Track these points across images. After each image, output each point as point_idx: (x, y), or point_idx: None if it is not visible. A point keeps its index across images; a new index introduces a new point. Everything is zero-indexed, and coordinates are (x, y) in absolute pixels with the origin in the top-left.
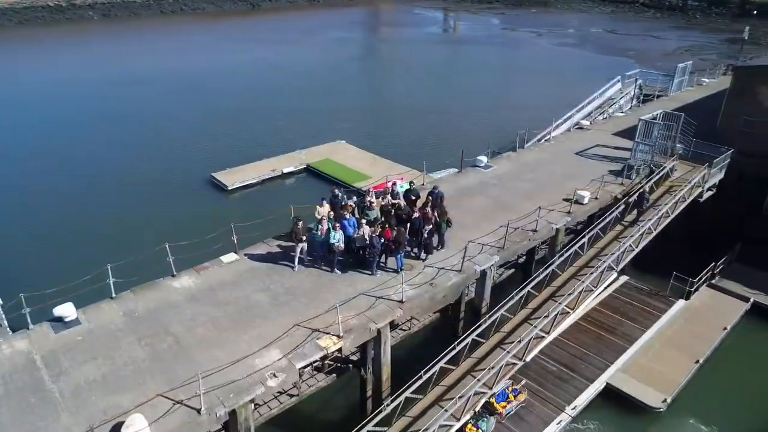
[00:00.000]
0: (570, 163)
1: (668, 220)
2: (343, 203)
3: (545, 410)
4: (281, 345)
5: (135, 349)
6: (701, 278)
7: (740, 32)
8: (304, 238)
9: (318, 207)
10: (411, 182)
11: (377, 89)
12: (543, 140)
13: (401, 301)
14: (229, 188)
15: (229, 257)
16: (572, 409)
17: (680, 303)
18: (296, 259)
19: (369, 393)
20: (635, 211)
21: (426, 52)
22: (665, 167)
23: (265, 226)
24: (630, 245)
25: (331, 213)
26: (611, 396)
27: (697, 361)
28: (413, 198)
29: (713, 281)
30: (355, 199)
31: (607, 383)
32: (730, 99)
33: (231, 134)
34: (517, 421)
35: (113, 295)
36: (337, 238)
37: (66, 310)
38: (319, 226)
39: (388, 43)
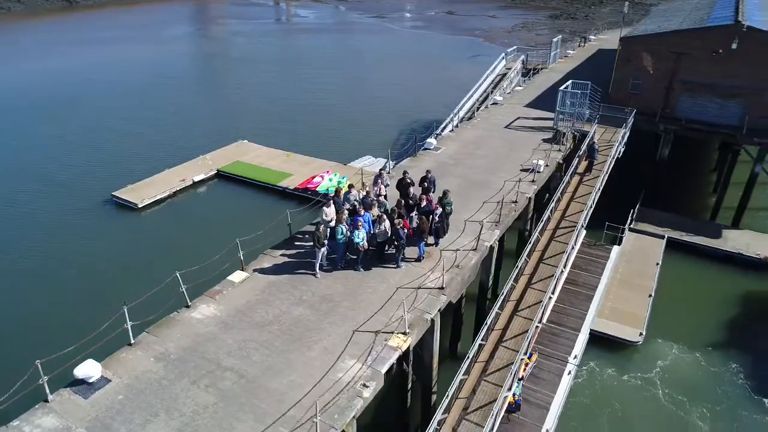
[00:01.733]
0: (505, 137)
1: (606, 176)
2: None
3: (554, 365)
4: (352, 354)
5: (198, 394)
6: (625, 225)
7: (557, 9)
8: (327, 242)
9: (324, 209)
10: (381, 169)
11: (256, 86)
12: (462, 120)
13: (442, 288)
14: (140, 206)
15: (238, 276)
16: (574, 358)
17: (616, 249)
18: (317, 265)
19: (415, 382)
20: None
21: (284, 44)
22: (592, 131)
23: (264, 237)
24: (591, 203)
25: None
26: (596, 340)
27: (650, 295)
28: (407, 184)
29: (632, 226)
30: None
31: (591, 330)
32: (619, 66)
33: (116, 148)
34: (536, 380)
35: (131, 341)
36: (361, 237)
37: (88, 369)
38: (342, 228)
39: (245, 36)
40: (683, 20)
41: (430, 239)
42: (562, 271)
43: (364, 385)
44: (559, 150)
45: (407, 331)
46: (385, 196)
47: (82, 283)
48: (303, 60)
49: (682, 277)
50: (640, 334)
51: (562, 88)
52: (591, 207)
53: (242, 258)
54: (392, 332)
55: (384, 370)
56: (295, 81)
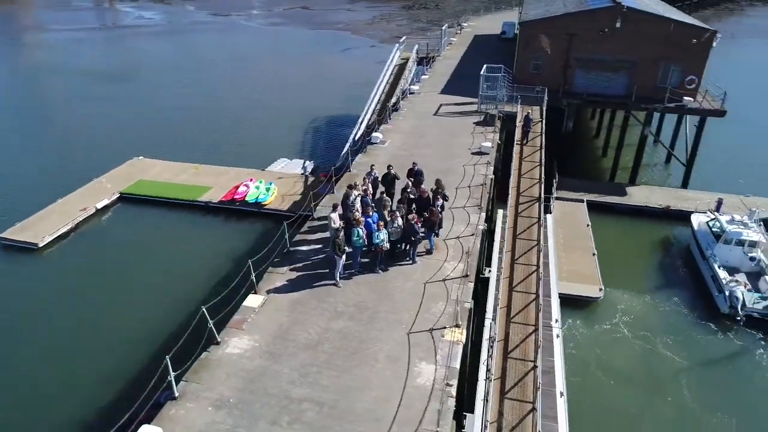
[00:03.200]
0: (439, 124)
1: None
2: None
3: (545, 332)
4: (419, 356)
5: None
6: (552, 195)
7: (408, 0)
8: (347, 249)
9: (331, 215)
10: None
11: (129, 98)
12: (390, 112)
13: (467, 275)
14: (41, 245)
15: (254, 300)
16: (556, 322)
17: (549, 217)
18: (338, 274)
19: None
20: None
21: (140, 49)
22: (516, 110)
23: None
24: (540, 176)
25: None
26: (565, 301)
27: (593, 254)
28: (392, 178)
29: (557, 195)
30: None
31: (559, 293)
32: (521, 49)
33: None
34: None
35: (176, 395)
36: (381, 238)
37: None
38: (359, 230)
39: (81, 44)
40: (564, 4)
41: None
42: (537, 243)
43: (448, 384)
44: (494, 131)
45: (459, 323)
46: (374, 194)
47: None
48: (175, 66)
49: (608, 233)
50: (600, 289)
51: (482, 72)
52: (543, 180)
53: (254, 280)
54: (444, 327)
55: (458, 365)
56: (174, 88)
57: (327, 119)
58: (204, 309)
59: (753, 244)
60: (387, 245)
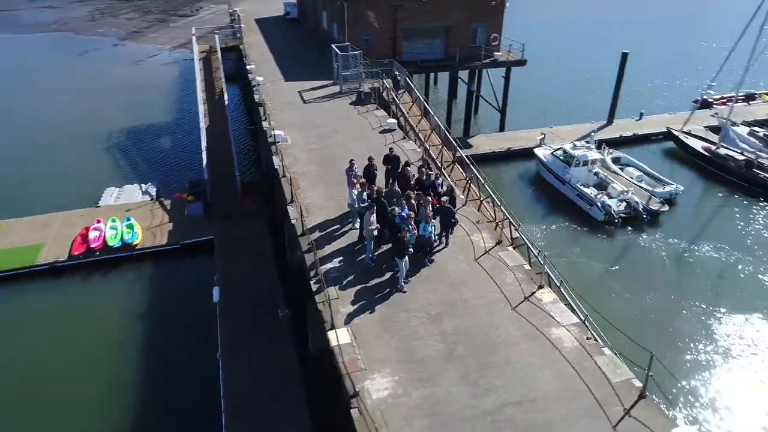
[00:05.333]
0: (322, 111)
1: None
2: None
3: None
4: (542, 324)
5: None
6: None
7: None
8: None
9: (368, 218)
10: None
11: None
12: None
13: (500, 242)
14: None
15: (339, 337)
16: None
17: None
18: (402, 278)
19: None
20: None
21: None
22: (378, 85)
23: None
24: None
25: None
26: None
27: None
28: (374, 172)
29: None
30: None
31: None
32: (350, 26)
33: None
34: None
35: None
36: (430, 230)
37: None
38: (410, 227)
39: None
40: None
41: None
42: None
43: (588, 337)
44: (377, 108)
45: (542, 284)
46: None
47: None
48: None
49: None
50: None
51: (341, 54)
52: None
53: (332, 317)
54: (533, 292)
55: (576, 318)
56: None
57: (132, 134)
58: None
59: (595, 162)
60: (435, 236)
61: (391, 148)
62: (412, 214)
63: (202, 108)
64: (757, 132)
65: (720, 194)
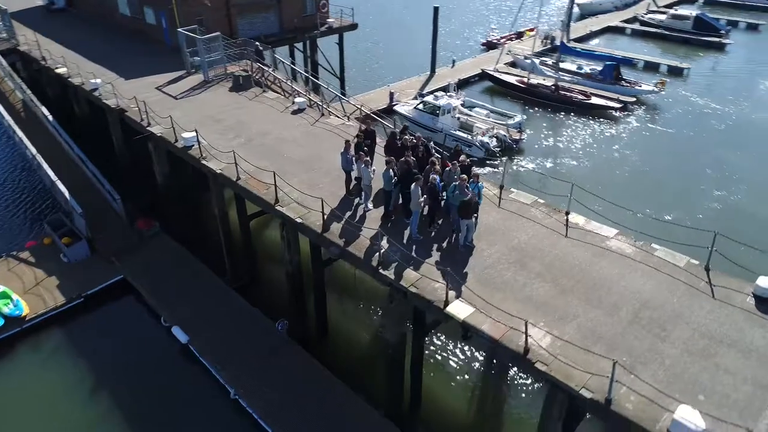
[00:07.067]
0: (209, 105)
1: None
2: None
3: None
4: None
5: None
6: None
7: None
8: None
9: (415, 190)
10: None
11: None
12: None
13: (512, 191)
14: None
15: (461, 310)
16: None
17: None
18: (469, 236)
19: None
20: None
21: None
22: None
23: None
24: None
25: None
26: None
27: None
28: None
29: None
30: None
31: None
32: (179, 6)
33: None
34: None
35: None
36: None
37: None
38: (467, 190)
39: None
40: None
41: None
42: None
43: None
44: (265, 91)
45: (568, 209)
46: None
47: None
48: None
49: None
50: None
51: (201, 38)
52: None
53: (447, 291)
54: (577, 223)
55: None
56: None
57: None
58: None
59: (456, 108)
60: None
61: (366, 122)
62: (465, 177)
63: (21, 134)
64: (546, 62)
65: (545, 116)
